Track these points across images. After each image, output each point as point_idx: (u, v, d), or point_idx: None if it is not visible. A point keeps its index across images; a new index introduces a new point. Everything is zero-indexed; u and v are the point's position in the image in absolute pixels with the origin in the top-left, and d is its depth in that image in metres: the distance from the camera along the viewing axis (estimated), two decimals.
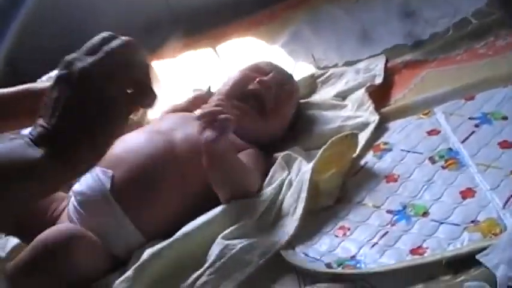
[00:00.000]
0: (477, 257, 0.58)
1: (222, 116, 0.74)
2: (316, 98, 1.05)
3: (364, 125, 0.88)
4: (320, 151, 0.80)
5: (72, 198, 0.82)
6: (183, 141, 0.84)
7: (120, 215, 0.77)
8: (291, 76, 1.01)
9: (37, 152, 0.52)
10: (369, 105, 0.92)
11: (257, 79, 0.93)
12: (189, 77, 1.29)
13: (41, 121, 0.55)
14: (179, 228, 0.73)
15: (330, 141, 0.80)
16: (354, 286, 0.63)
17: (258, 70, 0.96)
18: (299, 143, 0.92)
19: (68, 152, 0.53)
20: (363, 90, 0.96)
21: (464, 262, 0.60)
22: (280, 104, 0.93)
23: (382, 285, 0.62)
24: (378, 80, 0.99)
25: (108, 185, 0.78)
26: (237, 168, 0.78)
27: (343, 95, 1.01)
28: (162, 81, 1.34)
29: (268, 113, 0.92)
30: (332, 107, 0.97)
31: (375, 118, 0.88)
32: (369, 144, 0.85)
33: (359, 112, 0.92)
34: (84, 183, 0.81)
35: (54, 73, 1.33)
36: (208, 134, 0.73)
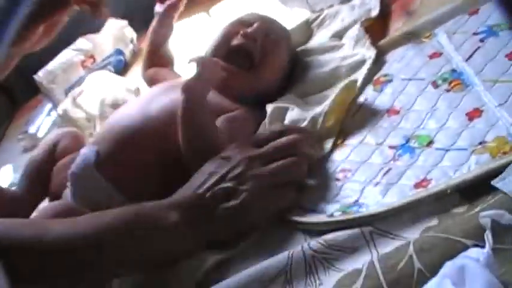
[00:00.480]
0: (493, 182, 0.51)
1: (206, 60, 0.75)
2: (312, 43, 0.98)
3: (361, 63, 0.81)
4: (323, 108, 0.74)
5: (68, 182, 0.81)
6: (159, 111, 0.82)
7: (107, 186, 0.76)
8: (277, 23, 0.94)
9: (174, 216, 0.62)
10: (365, 40, 0.85)
11: (240, 32, 0.87)
12: (185, 46, 1.24)
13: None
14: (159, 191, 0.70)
15: (331, 99, 0.74)
16: (361, 232, 0.57)
17: (241, 23, 0.90)
18: (293, 90, 0.86)
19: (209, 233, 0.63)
20: (358, 25, 0.89)
21: (480, 190, 0.53)
22: (268, 54, 0.87)
23: (393, 228, 0.56)
24: (374, 13, 0.91)
25: (92, 160, 0.78)
26: (206, 124, 0.74)
27: (340, 35, 0.93)
28: None
29: (257, 66, 0.86)
30: (328, 49, 0.90)
31: (371, 54, 0.81)
32: (368, 80, 0.78)
33: (356, 49, 0.85)
34: (74, 163, 0.81)
35: (51, 67, 1.30)
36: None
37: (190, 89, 0.75)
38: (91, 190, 0.77)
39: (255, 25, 0.88)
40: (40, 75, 1.29)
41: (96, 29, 1.36)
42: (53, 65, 1.31)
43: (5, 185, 1.20)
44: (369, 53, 0.82)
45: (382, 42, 0.85)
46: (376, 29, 0.90)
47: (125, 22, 1.37)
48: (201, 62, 0.78)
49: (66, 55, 1.31)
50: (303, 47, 0.97)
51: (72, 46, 1.33)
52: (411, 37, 0.81)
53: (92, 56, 1.32)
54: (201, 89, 0.76)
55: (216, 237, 0.64)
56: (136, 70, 1.32)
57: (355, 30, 0.89)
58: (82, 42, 1.33)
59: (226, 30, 0.90)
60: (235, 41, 0.87)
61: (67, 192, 0.81)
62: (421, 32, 0.81)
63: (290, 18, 1.08)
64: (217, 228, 0.63)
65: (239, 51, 0.86)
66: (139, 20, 1.38)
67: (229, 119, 0.80)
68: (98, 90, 1.17)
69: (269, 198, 0.64)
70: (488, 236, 0.48)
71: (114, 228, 0.61)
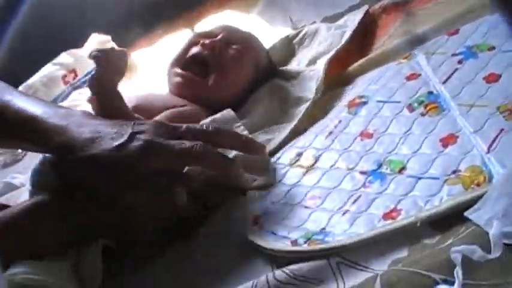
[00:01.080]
0: (466, 213, 0.49)
1: None
2: (293, 64, 0.96)
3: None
4: None
5: None
6: None
7: None
8: (246, 36, 0.93)
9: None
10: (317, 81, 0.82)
11: (200, 42, 0.87)
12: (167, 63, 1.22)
13: None
14: None
15: None
16: (327, 263, 0.55)
17: (207, 34, 0.90)
18: (246, 117, 0.83)
19: None
20: (325, 60, 0.85)
21: (452, 220, 0.50)
22: (225, 64, 0.86)
23: (361, 258, 0.53)
24: (345, 38, 0.89)
25: None
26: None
27: (315, 60, 0.91)
28: (140, 72, 1.29)
29: (213, 75, 0.85)
30: (296, 75, 0.89)
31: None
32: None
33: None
34: None
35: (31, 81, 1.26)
36: None
37: (93, 83, 0.70)
38: None
39: (219, 36, 0.88)
40: (20, 90, 1.26)
41: (78, 44, 1.33)
42: (33, 79, 1.28)
43: None
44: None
45: (361, 61, 0.83)
46: (359, 45, 0.89)
47: (108, 37, 1.34)
48: (97, 56, 0.74)
49: (47, 70, 1.28)
50: (283, 68, 0.95)
51: (54, 61, 1.30)
52: (391, 57, 0.79)
53: (73, 71, 1.29)
54: (104, 82, 0.70)
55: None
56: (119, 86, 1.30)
57: (320, 65, 0.86)
58: (64, 57, 1.30)
59: (190, 41, 0.91)
60: (194, 50, 0.88)
61: None
62: (400, 52, 0.79)
63: (274, 36, 1.06)
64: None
65: (196, 60, 0.87)
66: (123, 35, 1.36)
67: (174, 113, 0.79)
68: (80, 107, 1.14)
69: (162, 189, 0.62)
70: (458, 273, 0.45)
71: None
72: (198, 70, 0.86)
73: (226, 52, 0.87)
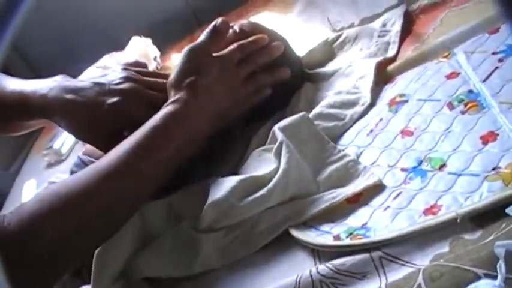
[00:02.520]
0: (507, 210, 0.50)
1: None
2: (329, 67, 0.96)
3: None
4: None
5: None
6: None
7: None
8: (265, 30, 0.91)
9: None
10: (369, 82, 0.82)
11: None
12: None
13: None
14: None
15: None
16: (370, 257, 0.56)
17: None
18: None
19: None
20: (373, 66, 0.84)
21: (493, 216, 0.51)
22: None
23: (402, 254, 0.54)
24: (392, 51, 0.88)
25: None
26: None
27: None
28: None
29: None
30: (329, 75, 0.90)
31: (364, 101, 0.79)
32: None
33: (359, 83, 0.83)
34: None
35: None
36: None
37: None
38: None
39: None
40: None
41: (121, 46, 1.37)
42: None
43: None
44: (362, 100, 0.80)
45: (401, 61, 0.83)
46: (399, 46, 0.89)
47: (148, 40, 1.38)
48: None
49: (89, 72, 1.32)
50: (318, 70, 0.96)
51: (96, 64, 1.34)
52: (430, 56, 0.80)
53: None
54: None
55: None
56: None
57: (367, 67, 0.86)
58: (106, 60, 1.34)
59: None
60: None
61: None
62: (440, 51, 0.79)
63: (312, 38, 1.07)
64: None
65: None
66: (163, 38, 1.39)
67: None
68: None
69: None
70: (501, 267, 0.46)
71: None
72: None
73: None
